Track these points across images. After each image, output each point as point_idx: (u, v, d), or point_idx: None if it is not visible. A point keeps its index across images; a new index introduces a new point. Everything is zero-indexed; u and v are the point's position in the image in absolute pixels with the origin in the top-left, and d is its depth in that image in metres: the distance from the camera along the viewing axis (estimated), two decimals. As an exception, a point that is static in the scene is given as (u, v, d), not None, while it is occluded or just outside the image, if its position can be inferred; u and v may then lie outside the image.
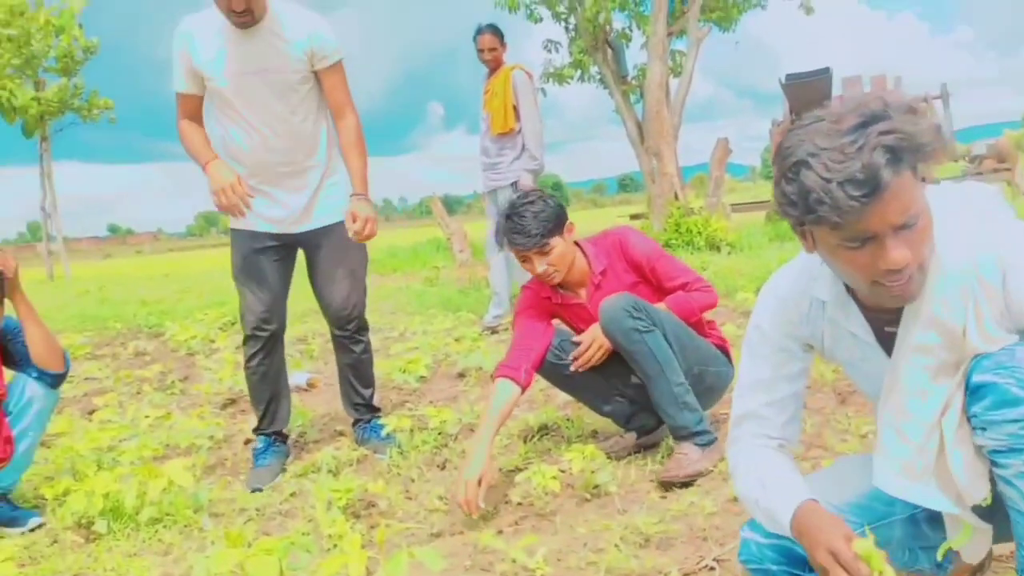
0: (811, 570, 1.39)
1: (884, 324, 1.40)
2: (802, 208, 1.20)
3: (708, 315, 2.95)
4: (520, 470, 2.85)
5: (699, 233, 9.34)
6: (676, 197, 10.17)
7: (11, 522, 2.69)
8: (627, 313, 2.61)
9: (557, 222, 2.73)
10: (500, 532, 2.40)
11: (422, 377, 4.54)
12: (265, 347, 3.21)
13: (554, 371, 2.88)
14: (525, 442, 3.23)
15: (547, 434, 3.26)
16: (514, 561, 2.13)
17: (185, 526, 2.66)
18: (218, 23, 2.91)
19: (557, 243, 2.73)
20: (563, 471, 2.71)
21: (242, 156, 3.06)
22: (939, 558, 1.39)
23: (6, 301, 2.72)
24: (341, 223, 3.06)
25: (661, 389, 2.65)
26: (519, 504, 2.61)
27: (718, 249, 9.05)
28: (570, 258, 2.78)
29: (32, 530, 2.70)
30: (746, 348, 1.60)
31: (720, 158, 10.60)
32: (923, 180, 1.22)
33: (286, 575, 2.06)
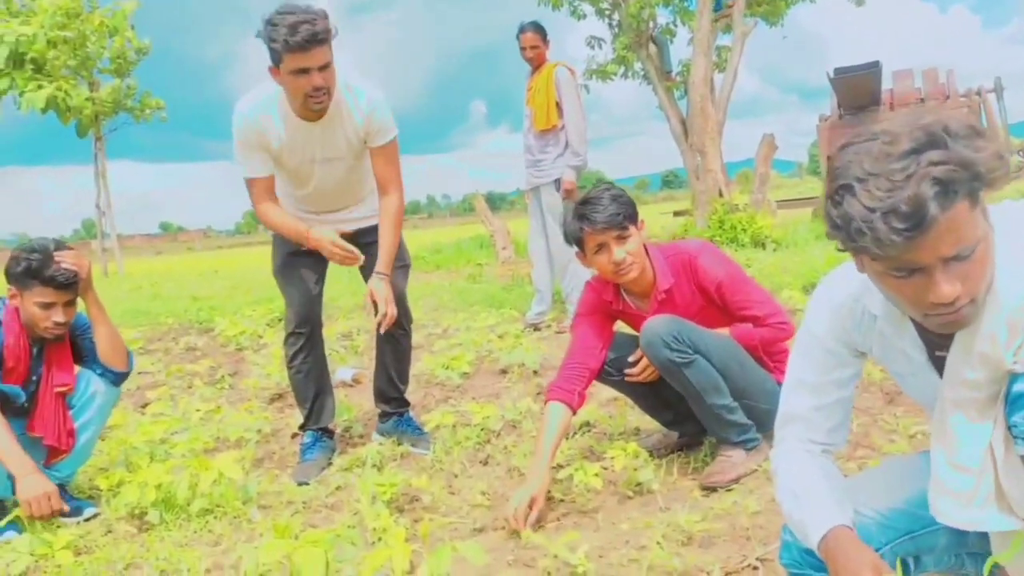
0: None
1: (936, 348, 1.35)
2: (845, 234, 1.16)
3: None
4: (562, 467, 2.86)
5: (744, 230, 9.24)
6: (720, 194, 10.07)
7: (68, 512, 2.77)
8: (664, 344, 2.54)
9: (634, 210, 2.62)
10: (542, 528, 2.41)
11: (465, 373, 4.57)
12: (306, 345, 3.28)
13: (607, 378, 2.85)
14: (567, 439, 3.23)
15: (589, 431, 3.26)
16: (556, 557, 2.14)
17: (234, 517, 2.72)
18: (280, 109, 3.00)
19: (634, 233, 2.60)
20: (605, 468, 2.72)
21: (295, 198, 3.25)
22: (985, 573, 1.33)
23: (78, 299, 2.81)
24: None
25: (703, 410, 2.65)
26: (561, 501, 2.63)
27: (763, 246, 8.94)
28: (644, 255, 2.66)
29: (87, 520, 2.79)
30: (796, 350, 1.57)
31: (766, 154, 10.46)
32: (982, 207, 1.17)
33: (332, 567, 2.10)
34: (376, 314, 2.98)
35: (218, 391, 4.81)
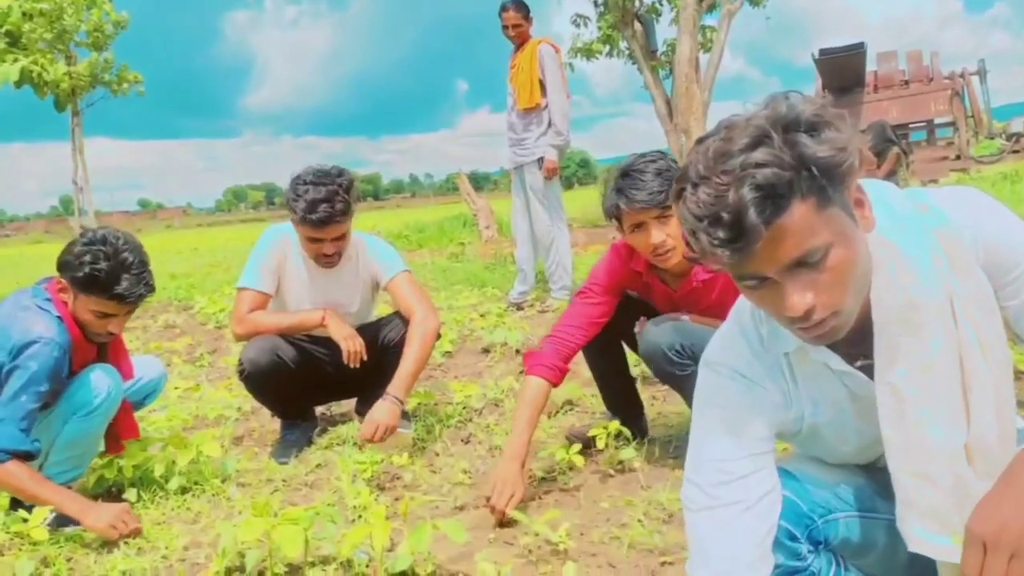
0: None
1: (852, 359, 1.21)
2: (686, 241, 1.07)
3: None
4: (544, 445, 2.85)
5: (727, 211, 9.26)
6: (704, 174, 10.08)
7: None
8: (666, 358, 2.41)
9: None
10: (524, 506, 2.40)
11: (447, 352, 4.55)
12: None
13: (600, 353, 2.77)
14: (549, 417, 3.23)
15: (571, 409, 3.26)
16: (537, 535, 2.13)
17: (213, 495, 2.70)
18: (301, 250, 3.08)
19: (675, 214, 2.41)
20: (587, 447, 2.71)
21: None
22: None
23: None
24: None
25: None
26: (543, 479, 2.62)
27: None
28: (683, 242, 2.43)
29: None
30: (699, 471, 1.26)
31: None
32: (843, 204, 1.05)
33: (312, 544, 2.08)
34: (365, 432, 2.81)
35: (197, 369, 4.77)
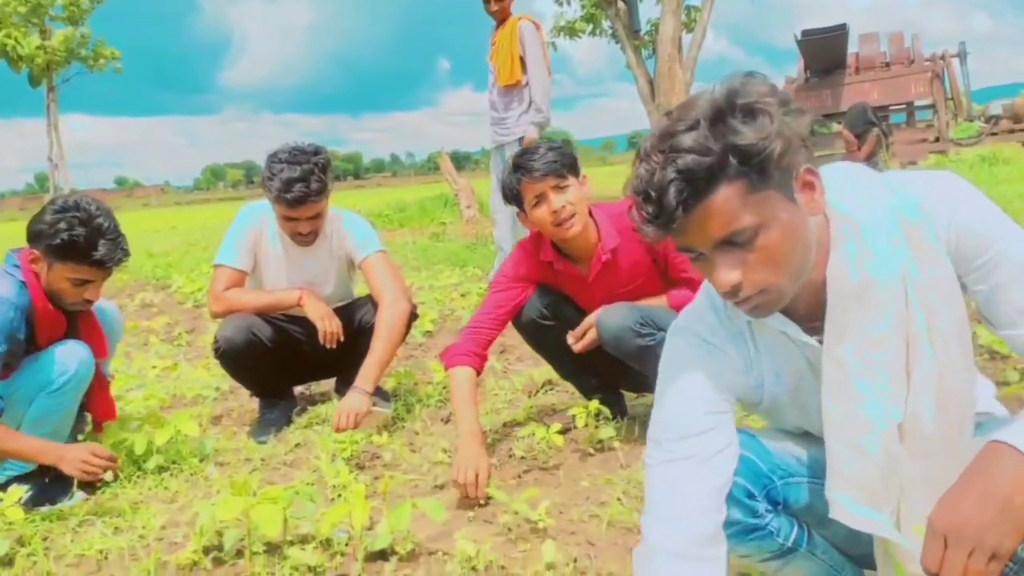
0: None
1: (812, 331, 1.23)
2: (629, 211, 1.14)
3: None
4: (524, 424, 2.86)
5: (708, 191, 9.27)
6: (686, 155, 10.08)
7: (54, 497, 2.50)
8: (633, 332, 2.45)
9: (574, 163, 2.49)
10: (503, 485, 2.41)
11: (427, 332, 4.54)
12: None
13: (535, 329, 2.75)
14: (529, 397, 3.23)
15: (551, 389, 3.26)
16: (516, 513, 2.14)
17: (191, 474, 2.68)
18: (277, 228, 3.07)
19: (574, 183, 2.47)
20: (567, 427, 2.71)
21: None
22: None
23: None
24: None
25: None
26: (522, 458, 2.62)
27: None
28: (586, 212, 2.50)
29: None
30: (658, 432, 1.29)
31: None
32: (782, 187, 1.08)
33: (291, 523, 2.08)
34: (339, 421, 2.79)
35: (175, 348, 4.73)
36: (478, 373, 2.61)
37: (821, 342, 1.22)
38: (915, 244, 1.14)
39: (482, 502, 2.31)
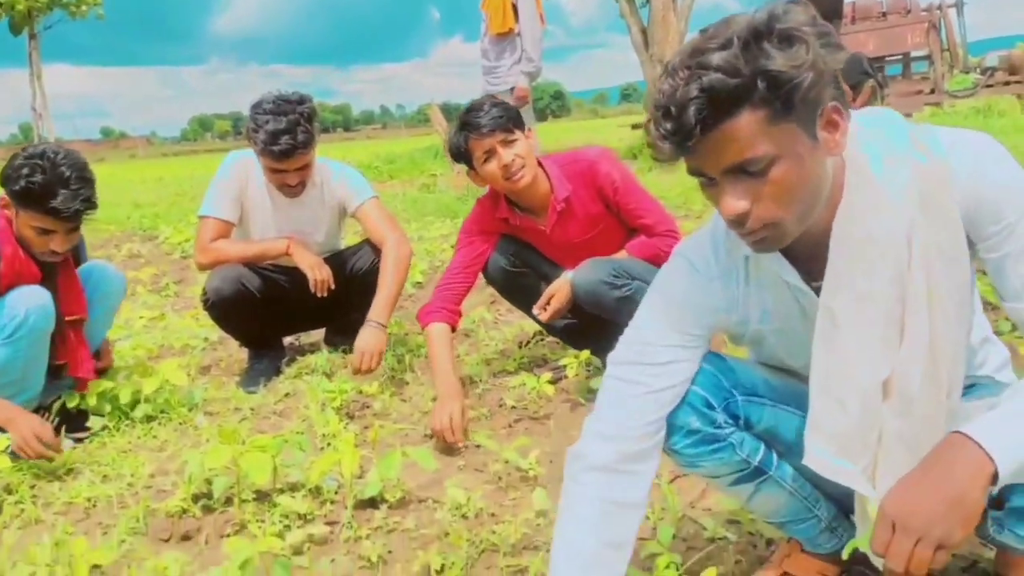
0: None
1: (810, 273, 1.21)
2: (645, 124, 1.09)
3: None
4: (515, 374, 2.85)
5: (701, 143, 9.19)
6: (679, 106, 9.97)
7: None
8: (608, 284, 2.45)
9: (518, 117, 2.53)
10: (494, 434, 2.40)
11: (418, 283, 4.51)
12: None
13: (507, 279, 2.77)
14: (520, 347, 3.22)
15: (542, 339, 3.25)
16: (507, 462, 2.13)
17: (180, 424, 2.67)
18: (264, 178, 2.99)
19: (520, 137, 2.50)
20: (557, 376, 2.71)
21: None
22: (844, 556, 1.20)
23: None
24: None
25: None
26: (513, 407, 2.62)
27: (720, 160, 8.91)
28: (535, 163, 2.55)
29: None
30: (633, 340, 1.31)
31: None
32: (804, 122, 1.04)
33: (280, 472, 2.07)
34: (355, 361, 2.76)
35: (162, 299, 4.69)
36: (453, 328, 2.65)
37: (818, 291, 1.20)
38: (929, 203, 1.12)
39: (461, 446, 2.32)
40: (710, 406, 1.31)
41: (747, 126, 1.02)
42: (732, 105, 1.01)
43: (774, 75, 1.00)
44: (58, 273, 2.53)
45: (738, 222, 1.09)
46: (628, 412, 1.29)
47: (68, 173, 2.33)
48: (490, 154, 2.49)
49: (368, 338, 2.77)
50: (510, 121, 2.48)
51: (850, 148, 1.13)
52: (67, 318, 2.54)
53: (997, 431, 1.01)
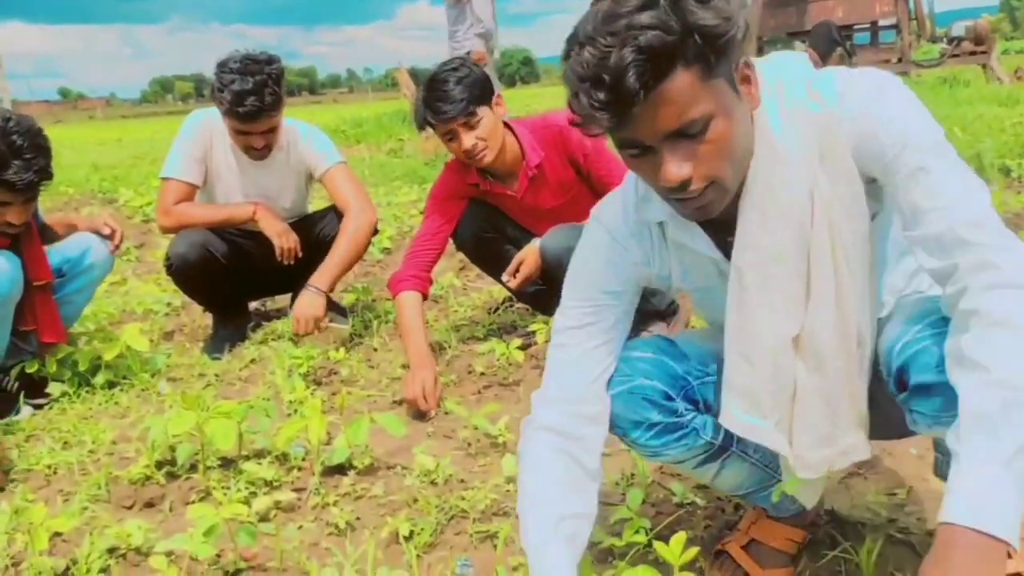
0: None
1: (725, 232, 1.20)
2: (570, 106, 1.04)
3: None
4: (484, 341, 2.83)
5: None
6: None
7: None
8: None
9: (484, 89, 2.44)
10: (463, 401, 2.39)
11: (386, 249, 4.47)
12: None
13: (477, 245, 2.76)
14: (489, 313, 3.20)
15: (511, 306, 3.23)
16: (476, 428, 2.13)
17: (142, 390, 2.62)
18: (230, 142, 2.92)
19: (486, 114, 2.44)
20: (527, 343, 2.70)
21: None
22: (774, 500, 1.23)
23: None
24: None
25: None
26: (482, 374, 2.61)
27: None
28: (501, 136, 2.50)
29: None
30: (561, 310, 1.34)
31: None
32: (728, 76, 1.03)
33: (246, 438, 2.04)
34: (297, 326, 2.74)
35: (123, 263, 4.59)
36: (424, 296, 2.62)
37: (729, 256, 1.20)
38: (828, 152, 1.11)
39: (433, 412, 2.30)
40: (668, 397, 1.31)
41: (683, 86, 0.99)
42: (669, 65, 0.98)
43: (708, 30, 0.97)
44: (21, 240, 2.45)
45: (681, 187, 1.06)
46: (567, 374, 1.32)
47: (20, 142, 2.23)
48: (452, 135, 2.46)
49: (304, 304, 2.74)
50: (472, 101, 2.40)
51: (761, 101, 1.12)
52: (34, 283, 2.47)
53: (981, 506, 0.94)
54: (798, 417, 1.20)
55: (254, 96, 2.70)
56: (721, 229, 1.20)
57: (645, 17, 0.97)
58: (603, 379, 1.32)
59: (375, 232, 3.06)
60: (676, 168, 1.04)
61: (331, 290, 2.84)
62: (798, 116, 1.12)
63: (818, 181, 1.11)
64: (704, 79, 1.00)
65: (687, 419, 1.33)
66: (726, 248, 1.21)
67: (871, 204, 1.14)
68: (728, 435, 1.36)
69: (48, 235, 2.72)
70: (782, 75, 1.15)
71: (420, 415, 2.32)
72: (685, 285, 1.33)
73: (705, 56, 0.99)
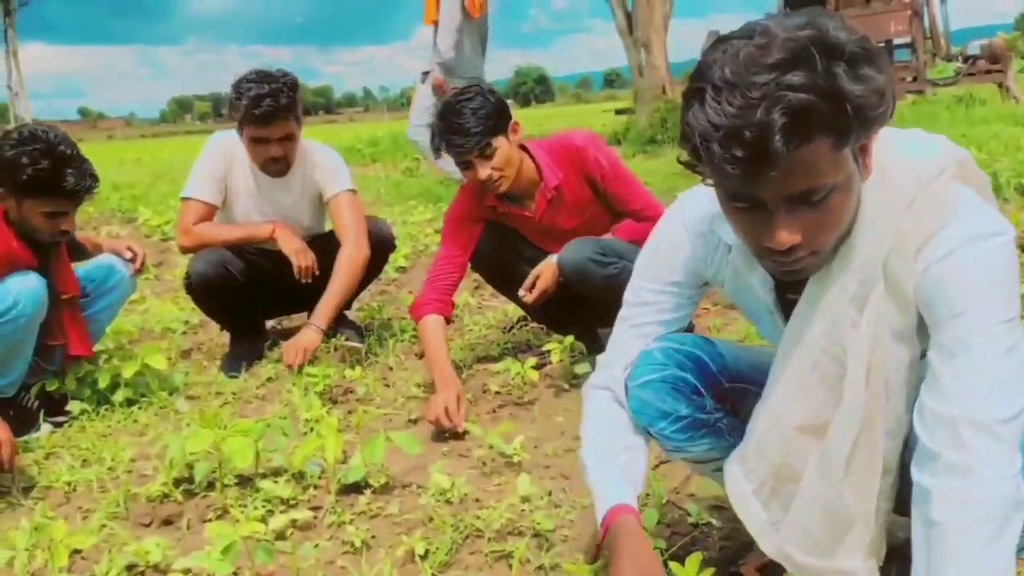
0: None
1: (787, 289, 1.21)
2: (688, 147, 1.01)
3: None
4: (499, 360, 2.84)
5: (685, 129, 9.18)
6: (664, 91, 9.95)
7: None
8: (595, 262, 2.45)
9: (500, 119, 2.44)
10: (478, 420, 2.40)
11: (401, 268, 4.50)
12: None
13: (493, 267, 2.77)
14: (504, 332, 3.21)
15: (526, 325, 3.24)
16: (491, 447, 2.13)
17: (161, 408, 2.64)
18: (248, 160, 2.97)
19: (501, 144, 2.44)
20: (542, 362, 2.70)
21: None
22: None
23: None
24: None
25: None
26: (497, 393, 2.61)
27: (704, 146, 8.91)
28: (517, 163, 2.51)
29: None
30: (638, 266, 1.40)
31: (710, 52, 10.31)
32: (855, 149, 1.00)
33: (262, 456, 2.05)
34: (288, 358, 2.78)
35: (142, 282, 4.62)
36: (447, 320, 2.61)
37: (789, 303, 1.21)
38: (893, 271, 1.07)
39: (460, 430, 2.29)
40: (698, 392, 1.32)
41: (818, 154, 0.95)
42: (812, 131, 0.93)
43: (861, 102, 0.93)
44: (51, 254, 2.51)
45: (786, 252, 1.02)
46: (620, 346, 1.39)
47: (68, 151, 2.33)
48: (467, 165, 2.47)
49: (302, 338, 2.82)
50: (487, 133, 2.41)
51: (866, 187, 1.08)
52: (63, 296, 2.52)
53: None
54: (792, 514, 1.20)
55: (270, 98, 2.76)
56: (784, 282, 1.20)
57: (798, 76, 0.91)
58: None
59: (392, 249, 3.17)
60: (788, 234, 1.00)
61: (329, 328, 2.91)
62: (888, 223, 1.07)
63: (875, 293, 1.08)
64: (836, 148, 0.97)
65: (714, 417, 1.34)
66: (784, 300, 1.23)
67: (922, 340, 1.10)
68: None
69: (78, 252, 2.78)
70: (909, 167, 1.09)
71: (441, 435, 2.31)
72: (736, 300, 1.37)
73: (847, 128, 0.95)
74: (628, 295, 1.41)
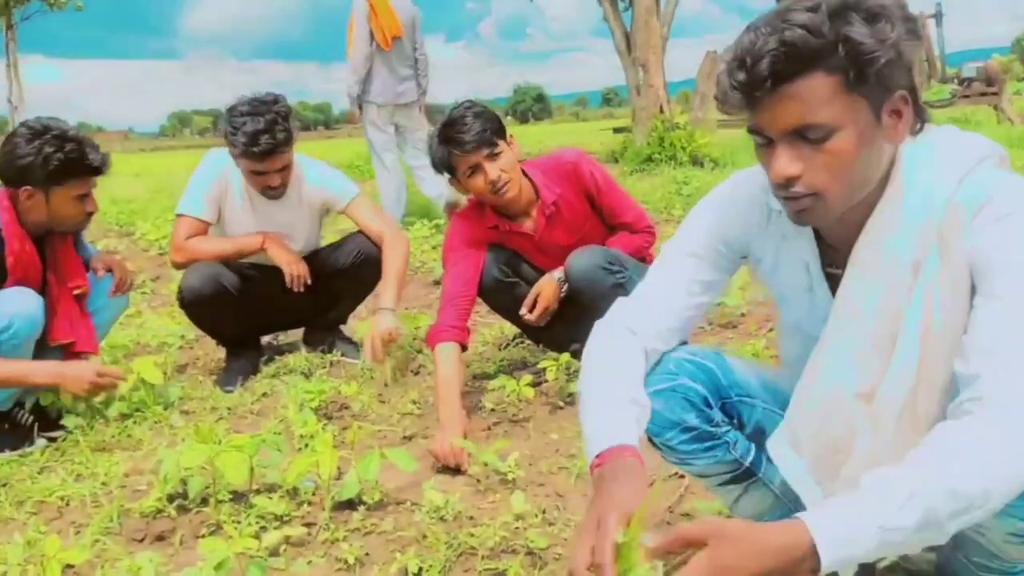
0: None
1: (830, 263, 1.24)
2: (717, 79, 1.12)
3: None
4: (494, 377, 2.84)
5: (683, 148, 9.21)
6: (661, 110, 9.99)
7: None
8: (603, 271, 2.48)
9: (500, 125, 2.51)
10: (473, 437, 2.40)
11: (398, 283, 4.49)
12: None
13: (498, 290, 2.74)
14: (500, 350, 3.22)
15: (522, 342, 3.24)
16: (486, 464, 2.13)
17: (155, 423, 2.64)
18: (244, 182, 2.98)
19: (505, 149, 2.49)
20: (537, 380, 2.70)
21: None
22: None
23: None
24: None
25: None
26: (492, 410, 2.61)
27: (701, 164, 8.95)
28: (519, 172, 2.55)
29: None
30: (675, 239, 1.39)
31: (708, 71, 10.39)
32: (875, 101, 1.05)
33: (257, 472, 2.05)
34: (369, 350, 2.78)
35: (139, 296, 4.63)
36: (464, 348, 2.56)
37: (834, 278, 1.22)
38: (949, 240, 1.10)
39: (464, 470, 2.19)
40: (707, 404, 1.33)
41: (817, 88, 1.02)
42: (807, 64, 1.01)
43: (856, 43, 1.00)
44: (57, 248, 2.56)
45: (785, 185, 1.09)
46: (648, 295, 1.36)
47: (78, 133, 2.45)
48: (475, 169, 2.48)
49: (384, 324, 2.79)
50: (494, 134, 2.46)
51: (909, 152, 1.13)
52: (73, 291, 2.57)
53: (835, 526, 0.95)
54: (844, 476, 1.19)
55: (267, 134, 2.77)
56: (831, 251, 1.23)
57: (802, 16, 1.01)
58: (684, 316, 1.34)
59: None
60: (785, 164, 1.07)
61: (397, 306, 2.92)
62: (940, 188, 1.11)
63: (929, 258, 1.11)
64: (845, 91, 1.03)
65: (721, 431, 1.35)
66: (830, 274, 1.24)
67: (973, 303, 1.11)
68: (756, 460, 1.38)
69: (81, 247, 2.78)
70: (945, 143, 1.15)
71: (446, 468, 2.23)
72: (771, 281, 1.35)
73: (848, 70, 1.02)
74: (668, 247, 1.37)
